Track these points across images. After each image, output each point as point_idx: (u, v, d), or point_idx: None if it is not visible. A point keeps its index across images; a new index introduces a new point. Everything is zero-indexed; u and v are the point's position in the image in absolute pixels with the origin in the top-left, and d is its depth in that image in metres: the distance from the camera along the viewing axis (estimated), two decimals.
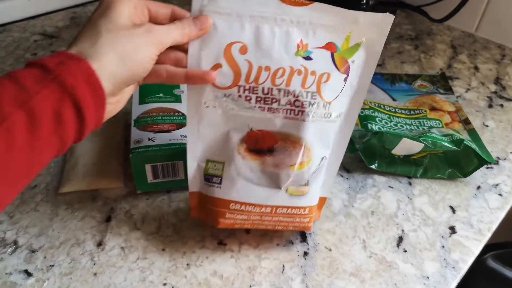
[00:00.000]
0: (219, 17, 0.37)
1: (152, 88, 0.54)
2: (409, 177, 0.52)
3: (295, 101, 0.38)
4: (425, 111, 0.57)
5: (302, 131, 0.38)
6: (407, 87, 0.63)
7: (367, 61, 0.39)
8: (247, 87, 0.37)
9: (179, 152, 0.46)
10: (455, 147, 0.50)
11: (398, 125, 0.54)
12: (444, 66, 0.74)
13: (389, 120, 0.55)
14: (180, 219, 0.46)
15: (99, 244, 0.43)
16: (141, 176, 0.46)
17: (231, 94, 0.38)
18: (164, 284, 0.40)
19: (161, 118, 0.49)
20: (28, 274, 0.40)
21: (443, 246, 0.44)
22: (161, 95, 0.53)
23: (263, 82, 0.37)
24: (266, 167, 0.40)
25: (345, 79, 0.39)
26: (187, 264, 0.42)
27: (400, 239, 0.45)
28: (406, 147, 0.51)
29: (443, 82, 0.64)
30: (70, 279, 0.40)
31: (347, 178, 0.52)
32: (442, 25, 0.86)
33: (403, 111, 0.57)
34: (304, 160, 0.39)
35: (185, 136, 0.47)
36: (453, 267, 0.42)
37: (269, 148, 0.39)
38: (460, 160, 0.52)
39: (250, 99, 0.38)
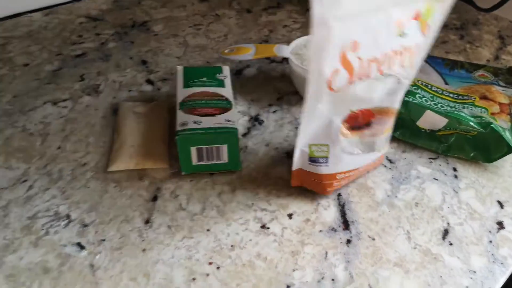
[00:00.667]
0: (339, 20, 0.34)
1: (196, 72, 0.55)
2: (454, 169, 0.51)
3: (395, 80, 0.41)
4: (475, 98, 0.56)
5: (396, 103, 0.44)
6: (466, 74, 0.61)
7: (433, 26, 0.40)
8: (358, 84, 0.38)
9: (223, 136, 0.46)
10: (481, 129, 0.49)
11: (439, 105, 0.53)
12: (491, 57, 0.71)
13: (430, 99, 0.53)
14: (224, 202, 0.47)
15: (147, 221, 0.44)
16: (186, 158, 0.47)
17: (341, 92, 0.38)
18: (210, 263, 0.41)
19: (206, 102, 0.50)
20: (81, 247, 0.42)
21: (491, 241, 0.43)
22: (204, 79, 0.54)
23: (373, 75, 0.38)
24: (364, 138, 0.44)
25: (427, 45, 0.41)
26: (232, 246, 0.42)
27: (446, 232, 0.44)
28: (430, 120, 0.51)
29: (507, 76, 0.62)
30: (120, 253, 0.41)
31: (390, 169, 0.51)
32: (489, 14, 0.83)
33: (451, 95, 0.56)
34: (391, 123, 0.45)
35: (229, 121, 0.47)
36: (502, 263, 0.41)
37: (367, 122, 0.43)
38: (489, 146, 0.51)
39: (361, 93, 0.40)
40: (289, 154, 0.52)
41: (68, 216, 0.44)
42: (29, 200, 0.46)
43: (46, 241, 0.42)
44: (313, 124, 0.41)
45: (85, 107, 0.58)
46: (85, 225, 0.44)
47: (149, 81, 0.63)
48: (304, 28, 0.77)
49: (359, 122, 0.43)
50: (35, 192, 0.47)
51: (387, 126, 0.45)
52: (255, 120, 0.57)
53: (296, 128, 0.56)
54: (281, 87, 0.63)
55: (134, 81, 0.63)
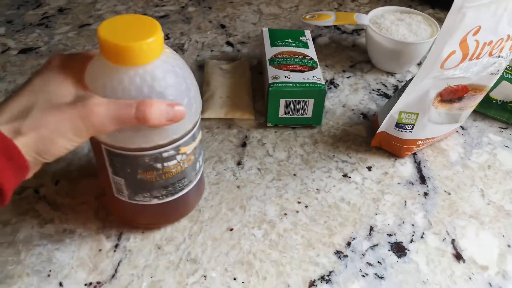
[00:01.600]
0: (473, 8, 0.37)
1: (281, 34, 0.58)
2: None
3: (499, 62, 0.44)
4: None
5: (491, 82, 0.46)
6: None
7: None
8: (465, 64, 0.42)
9: (312, 90, 0.50)
10: None
11: None
12: None
13: (506, 71, 0.55)
14: (307, 152, 0.50)
15: (239, 163, 0.49)
16: (274, 109, 0.51)
17: (449, 70, 0.42)
18: (299, 202, 0.45)
19: (293, 60, 0.53)
20: None
21: None
22: (289, 40, 0.57)
23: (483, 56, 0.42)
24: (452, 111, 0.47)
25: None
26: (317, 189, 0.46)
27: None
28: (505, 91, 0.54)
29: None
30: (218, 188, 0.46)
31: (462, 135, 0.54)
32: None
33: None
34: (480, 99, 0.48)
35: (317, 77, 0.51)
36: None
37: (459, 97, 0.46)
38: None
39: (464, 72, 0.43)
40: (365, 115, 0.56)
41: None
42: None
43: None
44: (412, 94, 0.44)
45: None
46: None
47: (229, 43, 0.67)
48: (372, 3, 0.79)
49: (452, 96, 0.46)
50: None
51: (476, 102, 0.48)
52: (331, 83, 0.61)
53: (370, 93, 0.59)
54: (353, 56, 0.66)
55: (215, 42, 0.67)
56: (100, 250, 0.40)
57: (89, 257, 0.39)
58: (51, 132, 0.30)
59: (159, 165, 0.35)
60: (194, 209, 0.43)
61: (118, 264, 0.39)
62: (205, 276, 0.38)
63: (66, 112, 0.30)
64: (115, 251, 0.40)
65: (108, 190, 0.39)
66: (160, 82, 0.31)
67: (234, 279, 0.38)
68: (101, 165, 0.36)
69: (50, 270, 0.38)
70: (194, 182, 0.39)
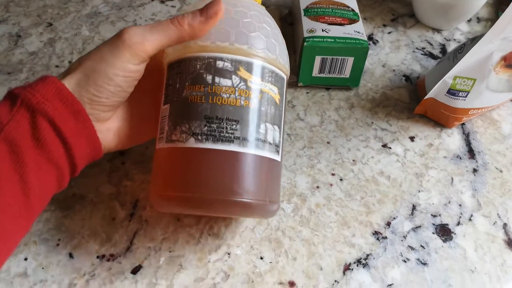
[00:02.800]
0: None
1: None
2: None
3: None
4: None
5: None
6: None
7: None
8: None
9: (354, 48, 0.44)
10: None
11: None
12: None
13: None
14: (342, 117, 0.45)
15: None
16: (308, 67, 0.45)
17: None
18: (333, 174, 0.40)
19: (332, 11, 0.47)
20: None
21: None
22: None
23: None
24: None
25: None
26: (353, 160, 0.42)
27: None
28: None
29: None
30: None
31: None
32: None
33: None
34: None
35: (358, 32, 0.44)
36: None
37: None
38: None
39: None
40: (407, 77, 0.50)
41: None
42: None
43: None
44: (473, 57, 0.38)
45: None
46: None
47: None
48: None
49: None
50: None
51: None
52: (369, 39, 0.54)
53: (414, 52, 0.52)
54: (395, 8, 0.58)
55: None
56: (113, 219, 0.36)
57: (101, 226, 0.36)
58: (93, 62, 0.29)
59: (209, 78, 0.29)
60: (248, 207, 0.30)
61: (134, 236, 0.35)
62: (229, 254, 0.35)
63: (106, 42, 0.30)
64: (130, 220, 0.36)
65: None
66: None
67: (261, 258, 0.34)
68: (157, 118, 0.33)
69: (59, 239, 0.35)
70: (250, 149, 0.29)
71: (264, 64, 0.31)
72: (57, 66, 0.48)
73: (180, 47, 0.31)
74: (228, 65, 0.30)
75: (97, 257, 0.34)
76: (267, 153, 0.30)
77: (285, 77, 0.33)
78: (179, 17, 0.30)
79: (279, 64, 0.32)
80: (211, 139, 0.29)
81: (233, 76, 0.30)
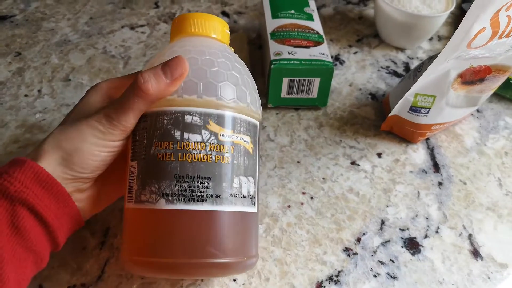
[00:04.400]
0: None
1: (283, 4, 0.53)
2: None
3: None
4: None
5: None
6: None
7: None
8: (494, 42, 0.37)
9: (319, 69, 0.45)
10: None
11: None
12: None
13: None
14: (311, 137, 0.46)
15: None
16: (276, 89, 0.46)
17: (475, 49, 0.37)
18: (303, 193, 0.41)
19: (298, 34, 0.48)
20: None
21: None
22: (292, 11, 0.52)
23: None
24: (471, 93, 0.43)
25: None
26: (323, 178, 0.42)
27: None
28: None
29: None
30: None
31: (477, 117, 0.50)
32: None
33: None
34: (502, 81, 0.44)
35: (323, 53, 0.46)
36: None
37: (481, 78, 0.41)
38: None
39: (490, 51, 0.38)
40: (373, 95, 0.51)
41: None
42: None
43: None
44: (431, 75, 0.40)
45: (163, 34, 0.57)
46: None
47: (225, 13, 0.61)
48: None
49: (473, 77, 0.42)
50: None
51: (497, 84, 0.44)
52: (336, 60, 0.56)
53: (379, 71, 0.54)
54: (360, 29, 0.61)
55: (210, 12, 0.61)
56: (84, 248, 0.36)
57: (72, 256, 0.35)
58: (75, 142, 0.29)
59: (177, 134, 0.28)
60: (227, 267, 0.29)
61: (105, 264, 0.35)
62: (201, 278, 0.35)
63: (83, 119, 0.29)
64: (101, 249, 0.36)
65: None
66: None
67: (234, 280, 0.35)
68: (125, 167, 0.31)
69: None
70: (225, 205, 0.28)
71: (235, 114, 0.30)
72: (26, 96, 0.48)
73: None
74: (197, 119, 0.28)
75: (68, 287, 0.33)
76: (243, 208, 0.29)
77: (257, 123, 0.32)
78: (143, 85, 0.28)
79: (251, 112, 0.31)
80: (182, 199, 0.28)
81: (203, 131, 0.28)
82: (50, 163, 0.28)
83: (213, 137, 0.29)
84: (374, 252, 0.37)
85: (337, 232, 0.38)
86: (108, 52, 0.53)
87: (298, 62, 0.45)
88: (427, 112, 0.43)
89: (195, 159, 0.28)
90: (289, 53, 0.46)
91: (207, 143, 0.28)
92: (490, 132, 0.48)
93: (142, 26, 0.58)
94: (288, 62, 0.45)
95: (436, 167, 0.44)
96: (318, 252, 0.37)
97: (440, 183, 0.43)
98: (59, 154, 0.28)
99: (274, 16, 0.51)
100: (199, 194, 0.28)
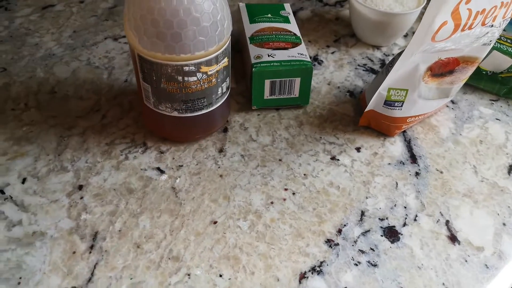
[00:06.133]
0: None
1: (259, 9, 0.55)
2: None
3: (492, 32, 0.41)
4: None
5: (483, 53, 0.44)
6: None
7: None
8: (457, 35, 0.39)
9: (299, 69, 0.47)
10: None
11: (502, 47, 0.53)
12: None
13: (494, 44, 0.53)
14: (292, 135, 0.48)
15: (221, 150, 0.46)
16: (259, 91, 0.48)
17: (440, 42, 0.39)
18: (285, 189, 0.43)
19: (276, 37, 0.50)
20: (161, 171, 0.43)
21: None
22: (269, 15, 0.54)
23: (475, 26, 0.39)
24: (442, 85, 0.45)
25: None
26: (304, 174, 0.44)
27: (511, 168, 0.45)
28: (495, 61, 0.52)
29: None
30: (199, 178, 0.43)
31: (452, 109, 0.52)
32: None
33: (509, 40, 0.55)
34: (471, 72, 0.46)
35: (302, 54, 0.48)
36: None
37: (451, 70, 0.43)
38: None
39: (455, 44, 0.40)
40: (351, 93, 0.53)
41: (144, 144, 0.46)
42: (105, 128, 0.47)
43: (127, 165, 0.44)
44: (401, 70, 0.42)
45: None
46: (162, 152, 0.45)
47: None
48: None
49: (443, 69, 0.43)
50: (108, 121, 0.48)
51: (467, 75, 0.46)
52: (315, 60, 0.57)
53: (356, 68, 0.56)
54: (337, 29, 0.63)
55: None
56: (74, 252, 0.37)
57: (62, 260, 0.36)
58: None
59: (180, 78, 0.39)
60: (214, 131, 0.46)
61: (95, 267, 0.36)
62: (189, 275, 0.36)
63: None
64: (90, 252, 0.37)
65: (140, 96, 0.44)
66: None
67: (220, 275, 0.36)
68: (136, 72, 0.42)
69: (20, 278, 0.35)
70: (215, 106, 0.43)
71: (217, 53, 0.39)
72: (13, 109, 0.49)
73: (149, 49, 0.38)
74: (192, 68, 0.39)
75: None
76: (223, 98, 0.44)
77: (229, 35, 0.41)
78: None
79: (227, 39, 0.40)
80: (188, 111, 0.42)
81: (197, 73, 0.39)
82: None
83: (204, 75, 0.40)
84: (355, 242, 0.39)
85: (319, 225, 0.40)
86: (92, 64, 0.55)
87: (278, 64, 0.46)
88: (401, 106, 0.45)
89: (194, 90, 0.41)
90: (268, 55, 0.47)
91: (201, 79, 0.40)
92: (465, 122, 0.50)
93: (124, 37, 0.59)
94: (269, 64, 0.46)
95: (413, 158, 0.46)
96: (301, 244, 0.38)
97: (417, 173, 0.45)
98: None
99: (252, 21, 0.52)
100: (198, 107, 0.42)
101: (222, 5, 0.38)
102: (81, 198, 0.41)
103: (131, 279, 0.35)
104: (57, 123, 0.48)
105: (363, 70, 0.56)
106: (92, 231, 0.38)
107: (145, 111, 0.45)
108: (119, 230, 0.38)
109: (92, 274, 0.36)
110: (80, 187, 0.42)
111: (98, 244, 0.37)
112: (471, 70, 0.45)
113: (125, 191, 0.42)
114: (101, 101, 0.50)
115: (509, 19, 0.42)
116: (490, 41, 0.43)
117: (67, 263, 0.36)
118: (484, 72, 0.53)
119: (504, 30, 0.58)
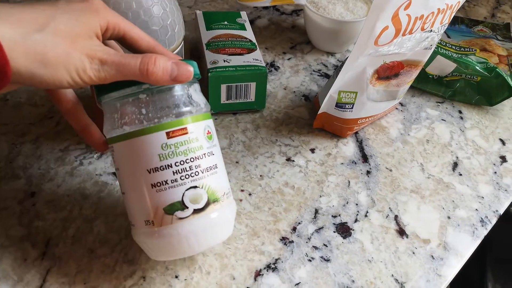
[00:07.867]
0: None
1: (216, 16, 0.56)
2: (460, 112, 0.55)
3: (431, 36, 0.44)
4: (475, 50, 0.59)
5: (425, 57, 0.46)
6: (467, 30, 0.64)
7: None
8: (399, 39, 0.41)
9: (254, 73, 0.48)
10: (486, 73, 0.54)
11: (446, 53, 0.56)
12: (488, 15, 0.75)
13: (437, 49, 0.56)
14: (249, 138, 0.49)
15: None
16: (215, 96, 0.49)
17: (383, 47, 0.41)
18: (242, 191, 0.43)
19: (231, 43, 0.51)
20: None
21: (495, 172, 0.48)
22: (225, 23, 0.55)
23: (415, 31, 0.41)
24: (389, 87, 0.47)
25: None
26: (260, 175, 0.45)
27: (455, 165, 0.48)
28: (440, 66, 0.55)
29: (504, 31, 0.66)
30: None
31: (401, 111, 0.54)
32: None
33: (454, 47, 0.59)
34: (416, 75, 0.49)
35: (257, 59, 0.49)
36: (506, 190, 0.46)
37: (396, 73, 0.46)
38: (492, 90, 0.55)
39: (398, 48, 0.42)
40: (306, 97, 0.55)
41: None
42: (59, 134, 0.47)
43: (82, 171, 0.43)
44: (349, 73, 0.44)
45: None
46: None
47: None
48: None
49: (388, 72, 0.46)
50: (62, 127, 0.48)
51: (412, 78, 0.49)
52: (271, 66, 0.59)
53: (311, 74, 0.58)
54: (293, 37, 0.65)
55: None
56: (25, 259, 0.36)
57: (13, 268, 0.35)
58: (56, 58, 0.27)
59: None
60: None
61: (47, 273, 0.35)
62: (144, 278, 0.36)
63: (79, 45, 0.28)
64: (42, 259, 0.36)
65: (94, 100, 0.41)
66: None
67: (176, 277, 0.36)
68: None
69: None
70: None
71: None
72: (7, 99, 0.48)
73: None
74: None
75: None
76: None
77: (182, 40, 0.41)
78: (153, 69, 0.29)
79: (179, 43, 0.40)
80: None
81: None
82: (22, 54, 0.26)
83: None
84: (309, 239, 0.40)
85: (274, 223, 0.41)
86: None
87: (234, 69, 0.48)
88: (352, 108, 0.47)
89: None
90: (224, 61, 0.48)
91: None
92: (413, 123, 0.53)
93: None
94: (224, 69, 0.47)
95: (365, 158, 0.48)
96: (257, 243, 0.39)
97: (368, 172, 0.46)
98: (37, 58, 0.27)
99: (209, 28, 0.54)
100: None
101: (173, 10, 0.39)
102: (33, 205, 0.40)
103: (84, 283, 0.35)
104: (9, 130, 0.47)
105: (318, 75, 0.58)
106: (45, 237, 0.38)
107: (99, 115, 0.44)
108: (73, 236, 0.38)
109: (44, 280, 0.35)
110: (33, 194, 0.41)
111: (50, 250, 0.37)
112: (415, 73, 0.48)
113: (79, 197, 0.41)
114: (54, 107, 0.50)
115: (447, 25, 0.45)
116: (431, 45, 0.46)
117: (18, 271, 0.35)
118: (430, 76, 0.56)
119: (449, 37, 0.62)
